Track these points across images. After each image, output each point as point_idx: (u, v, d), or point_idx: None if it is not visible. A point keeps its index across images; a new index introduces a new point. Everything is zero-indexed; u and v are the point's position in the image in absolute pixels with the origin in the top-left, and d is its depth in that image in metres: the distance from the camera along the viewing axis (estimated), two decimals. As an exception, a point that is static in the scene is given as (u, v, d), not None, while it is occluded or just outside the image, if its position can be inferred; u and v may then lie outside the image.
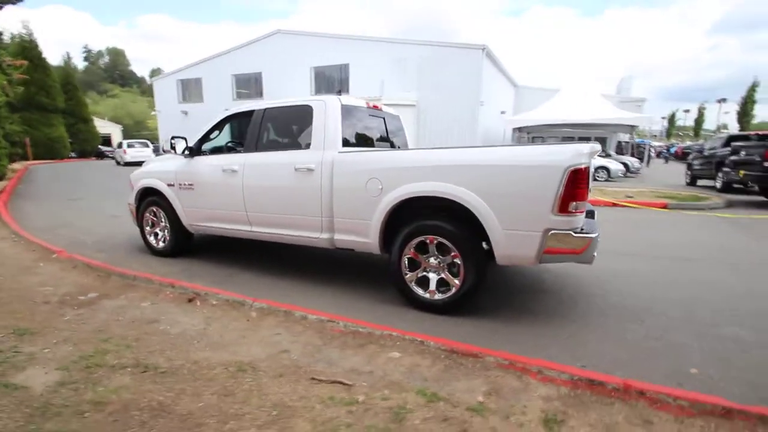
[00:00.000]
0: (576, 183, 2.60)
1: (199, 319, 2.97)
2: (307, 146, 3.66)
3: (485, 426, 1.79)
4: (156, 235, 4.94)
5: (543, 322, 3.02)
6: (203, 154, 4.43)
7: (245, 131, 4.44)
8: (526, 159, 2.75)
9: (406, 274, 3.26)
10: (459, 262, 3.03)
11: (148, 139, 28.18)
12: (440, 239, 3.07)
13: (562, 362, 2.30)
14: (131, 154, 20.82)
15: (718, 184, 11.11)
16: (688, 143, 35.94)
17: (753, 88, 33.89)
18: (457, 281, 3.06)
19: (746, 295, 3.52)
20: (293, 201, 3.70)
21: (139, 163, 22.70)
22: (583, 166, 2.60)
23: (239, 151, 4.50)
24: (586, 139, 19.34)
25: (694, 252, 4.96)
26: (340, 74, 20.63)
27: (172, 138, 4.30)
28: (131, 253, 5.08)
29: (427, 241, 3.13)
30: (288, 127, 4.04)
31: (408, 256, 3.24)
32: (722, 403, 1.88)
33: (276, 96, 21.88)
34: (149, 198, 4.85)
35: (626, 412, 1.90)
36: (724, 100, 37.59)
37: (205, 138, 4.48)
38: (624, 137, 25.38)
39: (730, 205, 8.72)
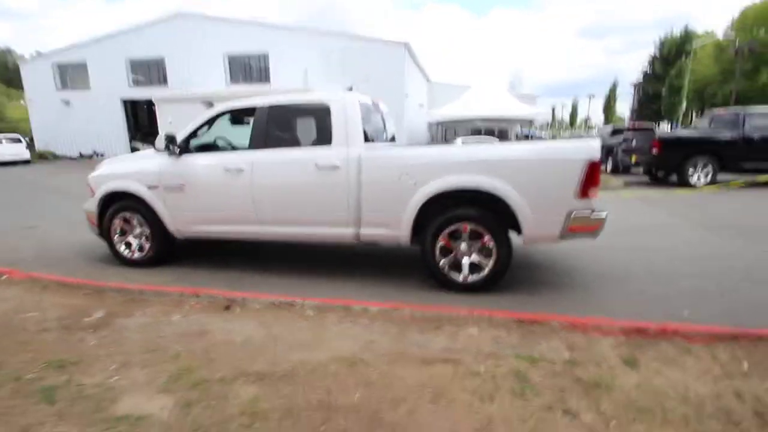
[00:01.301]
0: (593, 172, 3.13)
1: (254, 325, 2.85)
2: (327, 143, 3.65)
3: (589, 372, 2.18)
4: (128, 244, 4.39)
5: (557, 290, 3.55)
6: (191, 153, 4.08)
7: (244, 128, 4.22)
8: (552, 153, 3.21)
9: (440, 260, 3.52)
10: (491, 246, 3.39)
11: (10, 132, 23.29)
12: (474, 226, 3.39)
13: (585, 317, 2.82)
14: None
15: (608, 168, 13.41)
16: (568, 134, 42.16)
17: (614, 87, 40.90)
18: (490, 263, 3.42)
19: (688, 255, 4.54)
20: (314, 198, 3.68)
21: (11, 164, 18.77)
22: (597, 159, 3.14)
23: (233, 149, 4.27)
24: (491, 132, 21.42)
25: (630, 226, 6.09)
26: (260, 63, 19.58)
27: (166, 135, 3.87)
28: (92, 264, 4.49)
29: (461, 228, 3.43)
30: (300, 124, 3.95)
31: (441, 243, 3.50)
32: (727, 330, 2.55)
33: (184, 84, 19.91)
34: (119, 203, 4.29)
35: (672, 347, 2.46)
36: (592, 96, 44.58)
37: (193, 135, 4.13)
38: (519, 129, 28.68)
39: (627, 185, 10.65)
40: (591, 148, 3.14)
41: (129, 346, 2.57)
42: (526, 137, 24.86)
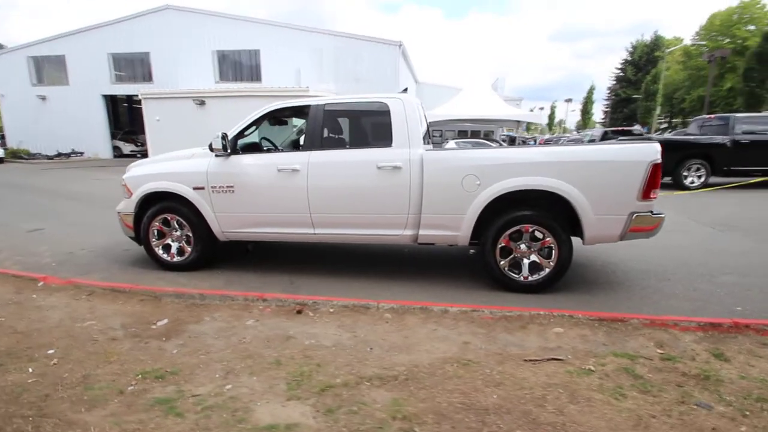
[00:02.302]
0: (655, 174, 3.25)
1: (335, 329, 2.82)
2: (387, 144, 3.64)
3: (689, 367, 2.27)
4: (167, 247, 4.24)
5: (610, 289, 3.67)
6: (238, 153, 3.98)
7: (282, 128, 4.14)
8: (618, 156, 3.31)
9: (501, 261, 3.57)
10: (553, 247, 3.47)
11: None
12: (536, 227, 3.46)
13: (661, 315, 2.93)
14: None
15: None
16: (547, 136, 43.41)
17: (591, 91, 42.31)
18: (550, 263, 3.50)
19: (713, 252, 4.76)
20: (374, 200, 3.66)
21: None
22: (659, 161, 3.26)
23: (278, 149, 4.19)
24: (476, 133, 21.86)
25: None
26: (250, 61, 19.22)
27: (223, 135, 3.74)
28: (126, 268, 4.35)
29: (523, 229, 3.49)
30: (357, 125, 3.92)
31: (502, 244, 3.55)
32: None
33: (170, 81, 19.31)
34: (160, 204, 4.13)
35: (748, 340, 2.59)
36: (570, 100, 46.02)
37: (240, 135, 4.02)
38: (503, 131, 29.32)
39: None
40: (654, 150, 3.26)
41: (217, 353, 2.50)
42: (512, 140, 25.40)
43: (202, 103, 16.48)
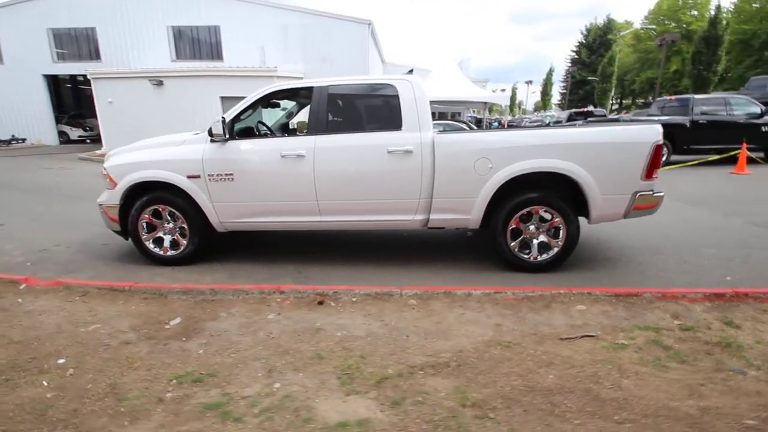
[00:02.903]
0: (658, 154, 3.39)
1: (363, 318, 2.77)
2: (397, 127, 3.55)
3: (708, 335, 2.43)
4: (159, 240, 3.97)
5: (610, 265, 3.84)
6: (237, 138, 3.74)
7: (295, 111, 3.94)
8: (624, 137, 3.41)
9: (511, 243, 3.63)
10: (561, 227, 3.56)
11: None
12: (546, 208, 3.53)
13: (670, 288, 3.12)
14: None
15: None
16: (509, 117, 44.41)
17: (550, 73, 43.55)
18: (559, 243, 3.60)
19: (692, 227, 5.09)
20: (384, 185, 3.58)
21: None
22: (661, 142, 3.40)
23: (274, 133, 3.99)
24: (444, 115, 22.05)
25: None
26: (210, 38, 18.03)
27: (223, 119, 3.47)
28: (112, 264, 4.08)
29: (533, 211, 3.56)
30: (364, 107, 3.77)
31: (512, 226, 3.61)
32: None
33: (120, 59, 17.84)
34: (150, 195, 3.83)
35: (749, 308, 2.81)
36: (530, 82, 47.17)
37: (236, 119, 3.78)
38: (472, 113, 29.70)
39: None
40: (656, 131, 3.39)
41: (249, 351, 2.38)
42: (479, 122, 25.78)
43: (159, 83, 15.37)
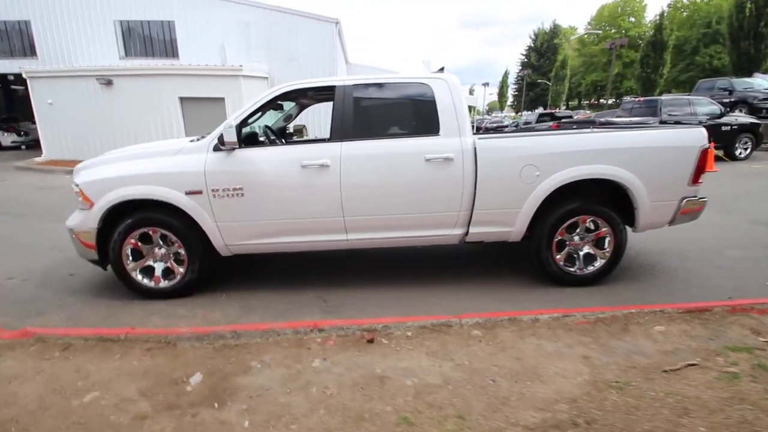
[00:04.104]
0: (705, 159, 3.25)
1: (427, 358, 2.35)
2: (434, 132, 3.17)
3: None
4: (149, 270, 3.32)
5: (649, 275, 3.69)
6: (247, 146, 3.18)
7: (294, 113, 3.42)
8: (673, 141, 3.24)
9: (557, 255, 3.36)
10: (608, 237, 3.34)
11: None
12: (594, 218, 3.29)
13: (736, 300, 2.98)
14: None
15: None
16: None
17: (506, 75, 44.99)
18: (605, 254, 3.37)
19: (703, 228, 5.11)
20: (421, 197, 3.19)
21: None
22: (708, 146, 3.26)
23: (289, 140, 3.47)
24: None
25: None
26: (164, 34, 16.65)
27: (237, 125, 2.90)
28: (91, 302, 3.39)
29: (580, 221, 3.30)
30: (394, 110, 3.34)
31: (558, 238, 3.34)
32: None
33: (60, 56, 16.05)
34: (137, 216, 3.18)
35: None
36: (487, 84, 48.45)
37: (244, 123, 3.23)
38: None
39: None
40: (703, 135, 3.25)
41: (310, 418, 1.89)
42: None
43: (108, 83, 13.91)
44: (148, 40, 16.86)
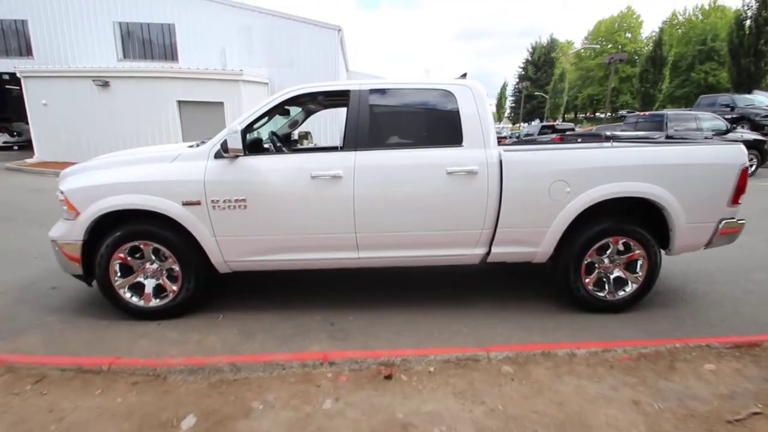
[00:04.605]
0: (744, 178, 3.02)
1: (453, 400, 2.05)
2: (456, 142, 2.91)
3: None
4: (138, 287, 3.01)
5: (680, 300, 3.43)
6: (251, 154, 2.90)
7: (301, 119, 3.15)
8: (711, 158, 3.00)
9: (586, 279, 3.10)
10: (641, 260, 3.08)
11: None
12: (626, 239, 3.04)
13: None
14: None
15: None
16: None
17: (504, 87, 45.24)
18: (637, 278, 3.11)
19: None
20: (442, 213, 2.92)
21: None
22: (747, 164, 3.03)
23: (297, 148, 3.20)
24: None
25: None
26: (164, 37, 16.44)
27: (243, 131, 2.63)
28: (77, 320, 3.03)
29: (612, 242, 3.05)
30: (414, 118, 3.08)
31: (588, 260, 3.08)
32: None
33: (57, 57, 15.77)
34: (128, 227, 2.88)
35: None
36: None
37: (249, 128, 2.96)
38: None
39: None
40: (743, 153, 3.02)
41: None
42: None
43: (105, 84, 13.64)
44: (148, 43, 16.63)
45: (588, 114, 58.73)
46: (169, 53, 16.76)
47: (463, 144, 2.91)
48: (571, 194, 2.91)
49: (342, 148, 2.93)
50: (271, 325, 2.95)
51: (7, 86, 18.87)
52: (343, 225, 2.90)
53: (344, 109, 3.15)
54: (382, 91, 2.99)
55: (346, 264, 3.06)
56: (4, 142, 17.37)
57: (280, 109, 3.11)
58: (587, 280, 3.10)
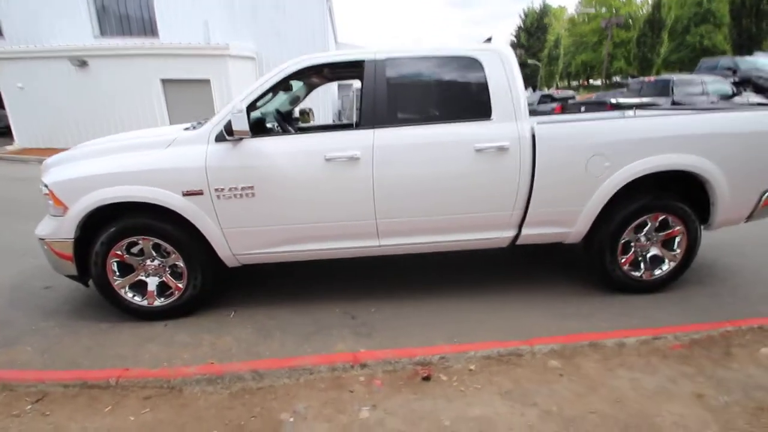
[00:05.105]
0: (789, 145, 2.79)
1: (501, 402, 1.87)
2: (484, 115, 2.63)
3: None
4: (140, 285, 2.76)
5: (713, 275, 3.27)
6: (255, 135, 2.60)
7: (302, 95, 2.85)
8: (759, 125, 2.75)
9: (622, 258, 2.91)
10: (680, 236, 2.89)
11: None
12: (665, 215, 2.83)
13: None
14: None
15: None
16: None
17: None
18: (676, 255, 2.93)
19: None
20: (470, 194, 2.67)
21: None
22: (792, 130, 2.80)
23: (308, 127, 2.90)
24: None
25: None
26: (141, 11, 15.47)
27: (247, 111, 2.31)
28: (75, 323, 2.78)
29: (651, 219, 2.84)
30: (436, 89, 2.76)
31: (625, 239, 2.87)
32: None
33: (29, 36, 14.79)
34: (123, 222, 2.60)
35: None
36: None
37: (252, 106, 2.64)
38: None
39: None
40: (788, 117, 2.79)
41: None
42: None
43: (83, 64, 12.88)
44: (125, 18, 15.66)
45: (581, 81, 57.76)
46: (149, 28, 15.80)
47: (492, 117, 2.62)
48: (610, 169, 2.67)
49: (358, 126, 2.64)
50: (287, 322, 2.73)
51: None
52: (362, 211, 2.64)
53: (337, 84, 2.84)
54: (400, 61, 2.66)
55: (366, 253, 2.82)
56: (-20, 129, 16.55)
57: (285, 83, 2.78)
58: (623, 260, 2.91)
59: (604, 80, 39.57)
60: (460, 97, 2.73)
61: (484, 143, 2.58)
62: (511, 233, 2.83)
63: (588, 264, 3.11)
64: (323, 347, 2.41)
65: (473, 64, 2.64)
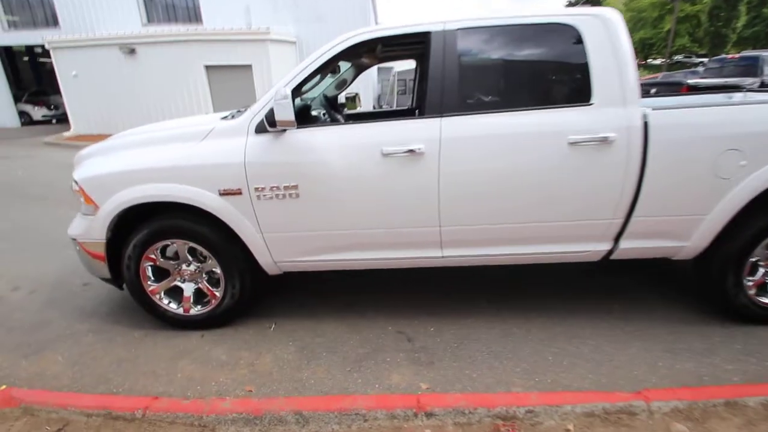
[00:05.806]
0: None
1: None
2: (583, 99, 2.09)
3: None
4: (175, 291, 2.50)
5: None
6: (300, 126, 2.21)
7: (350, 78, 2.42)
8: None
9: (749, 282, 2.30)
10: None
11: None
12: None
13: None
14: None
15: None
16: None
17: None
18: (820, 277, 2.29)
19: None
20: (558, 198, 2.16)
21: None
22: None
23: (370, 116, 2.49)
24: None
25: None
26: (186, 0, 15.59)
27: (292, 97, 1.96)
28: (109, 328, 2.56)
29: (787, 232, 2.21)
30: (520, 67, 2.26)
31: (754, 258, 2.26)
32: None
33: (83, 25, 15.34)
34: (156, 224, 2.33)
35: None
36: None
37: (298, 90, 2.25)
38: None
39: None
40: None
41: None
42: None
43: (131, 51, 13.15)
44: (170, 5, 15.85)
45: (639, 60, 53.45)
46: (193, 15, 15.92)
47: (592, 101, 2.08)
48: (747, 168, 2.06)
49: (422, 114, 2.19)
50: (333, 340, 2.38)
51: (39, 59, 18.85)
52: (424, 216, 2.21)
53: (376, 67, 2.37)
54: (474, 32, 2.16)
55: (425, 264, 2.40)
56: (43, 116, 17.50)
57: (334, 63, 2.37)
58: (750, 283, 2.31)
59: (666, 59, 36.14)
60: (550, 76, 2.20)
61: (581, 135, 2.05)
62: (606, 246, 2.30)
63: (699, 286, 2.53)
64: (376, 378, 2.04)
65: (568, 33, 2.09)
